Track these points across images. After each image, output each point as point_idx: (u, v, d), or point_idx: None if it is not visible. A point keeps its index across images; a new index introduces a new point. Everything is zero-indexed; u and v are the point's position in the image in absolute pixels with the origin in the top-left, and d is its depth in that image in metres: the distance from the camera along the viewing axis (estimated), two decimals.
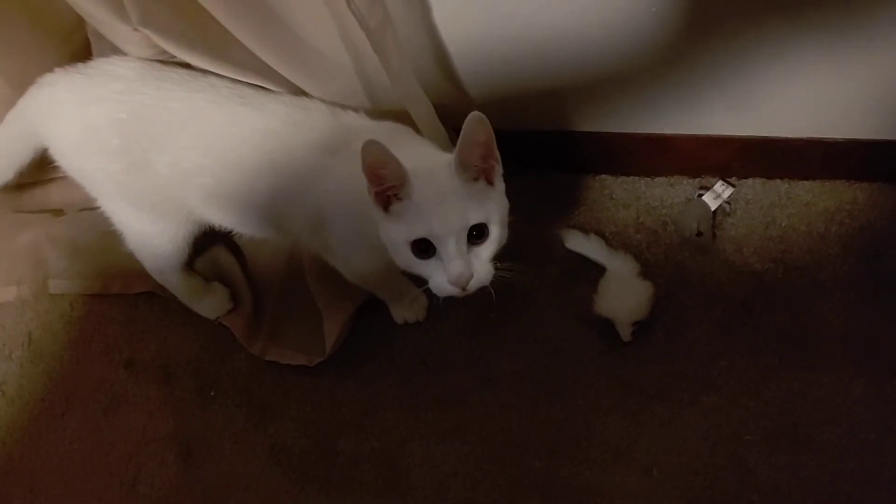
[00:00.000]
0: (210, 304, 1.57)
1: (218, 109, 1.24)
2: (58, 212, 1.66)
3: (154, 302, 1.61)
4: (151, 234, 1.40)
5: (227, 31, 1.17)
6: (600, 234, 1.58)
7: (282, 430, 1.49)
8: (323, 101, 1.27)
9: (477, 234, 1.08)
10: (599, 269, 1.53)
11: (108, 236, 1.44)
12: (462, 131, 1.03)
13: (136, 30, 1.18)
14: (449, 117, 1.42)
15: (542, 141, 1.59)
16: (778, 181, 1.61)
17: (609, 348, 1.49)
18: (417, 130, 1.31)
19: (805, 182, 1.60)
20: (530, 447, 1.43)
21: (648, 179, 1.63)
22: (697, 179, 1.62)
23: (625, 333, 1.48)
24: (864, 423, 1.40)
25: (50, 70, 1.29)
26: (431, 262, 1.08)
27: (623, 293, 1.48)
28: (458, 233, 1.06)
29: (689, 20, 1.29)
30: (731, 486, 1.37)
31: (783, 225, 1.57)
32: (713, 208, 1.57)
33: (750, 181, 1.61)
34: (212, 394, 1.53)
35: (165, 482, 1.47)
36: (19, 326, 1.63)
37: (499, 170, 1.13)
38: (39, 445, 1.52)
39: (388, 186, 1.06)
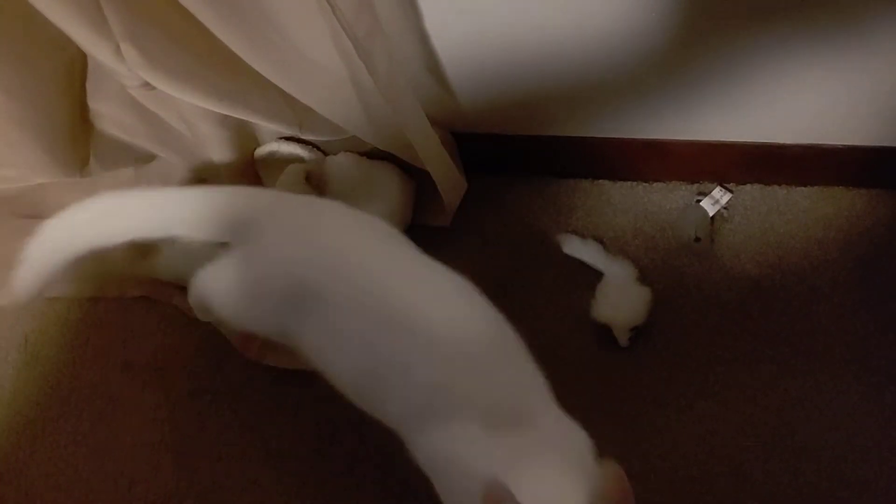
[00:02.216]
0: None
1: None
2: None
3: (149, 306, 1.61)
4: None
5: (211, 50, 1.16)
6: (598, 240, 1.58)
7: (278, 433, 1.49)
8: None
9: None
10: (597, 275, 1.53)
11: None
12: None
13: (118, 47, 1.17)
14: (441, 125, 1.42)
15: (540, 146, 1.59)
16: (776, 187, 1.61)
17: (606, 354, 1.49)
18: (412, 148, 1.30)
19: (803, 188, 1.60)
20: None
21: (647, 185, 1.63)
22: (695, 185, 1.62)
23: (622, 339, 1.47)
24: (862, 429, 1.40)
25: (45, 78, 1.27)
26: None
27: (621, 298, 1.48)
28: None
29: (688, 26, 1.29)
30: (728, 493, 1.37)
31: (781, 231, 1.56)
32: (711, 214, 1.57)
33: (748, 187, 1.61)
34: (208, 397, 1.53)
35: (161, 486, 1.46)
36: (15, 329, 1.63)
37: None
38: (35, 449, 1.52)
39: None
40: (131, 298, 1.61)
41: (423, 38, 1.33)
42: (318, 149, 1.62)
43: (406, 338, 1.01)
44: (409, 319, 1.02)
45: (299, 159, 1.59)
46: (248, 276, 1.12)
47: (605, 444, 1.41)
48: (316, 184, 1.59)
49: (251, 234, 1.10)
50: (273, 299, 1.10)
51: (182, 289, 1.60)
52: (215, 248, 1.59)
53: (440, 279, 1.09)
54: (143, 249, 1.61)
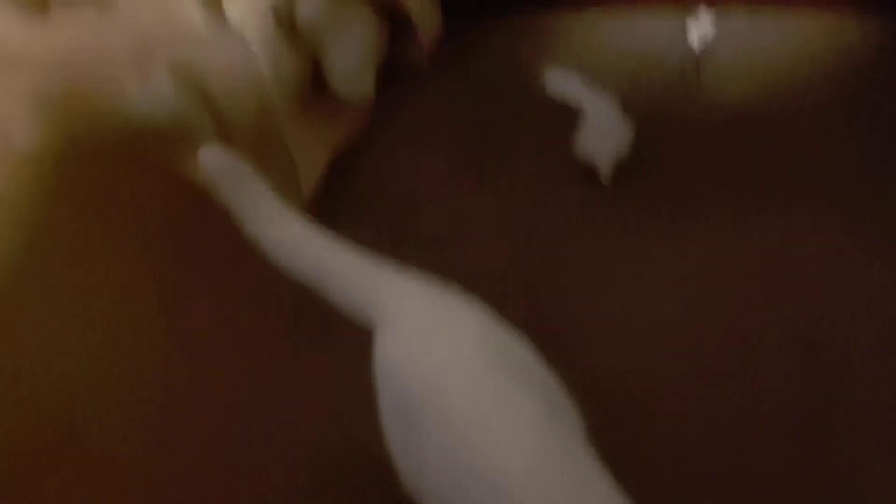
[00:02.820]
0: None
1: None
2: None
3: None
4: None
5: None
6: (581, 74, 1.54)
7: (261, 273, 1.46)
8: None
9: None
10: (580, 112, 1.50)
11: None
12: None
13: None
14: None
15: None
16: (763, 13, 1.56)
17: (590, 193, 1.48)
18: None
19: (791, 13, 1.56)
20: (511, 287, 1.42)
21: (631, 15, 1.59)
22: (681, 12, 1.57)
23: (605, 173, 1.46)
24: (840, 262, 1.39)
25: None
26: None
27: (603, 133, 1.47)
28: None
29: None
30: (707, 324, 1.38)
31: (767, 60, 1.54)
32: (697, 42, 1.53)
33: (735, 12, 1.57)
34: (191, 238, 1.49)
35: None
36: None
37: None
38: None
39: None
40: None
41: None
42: None
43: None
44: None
45: None
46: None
47: (584, 286, 1.42)
48: (287, 24, 1.53)
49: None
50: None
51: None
52: None
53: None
54: None
